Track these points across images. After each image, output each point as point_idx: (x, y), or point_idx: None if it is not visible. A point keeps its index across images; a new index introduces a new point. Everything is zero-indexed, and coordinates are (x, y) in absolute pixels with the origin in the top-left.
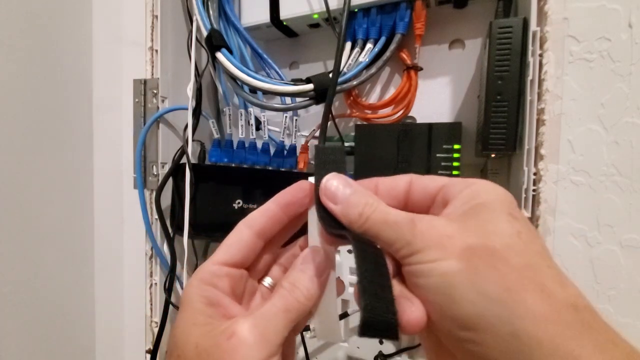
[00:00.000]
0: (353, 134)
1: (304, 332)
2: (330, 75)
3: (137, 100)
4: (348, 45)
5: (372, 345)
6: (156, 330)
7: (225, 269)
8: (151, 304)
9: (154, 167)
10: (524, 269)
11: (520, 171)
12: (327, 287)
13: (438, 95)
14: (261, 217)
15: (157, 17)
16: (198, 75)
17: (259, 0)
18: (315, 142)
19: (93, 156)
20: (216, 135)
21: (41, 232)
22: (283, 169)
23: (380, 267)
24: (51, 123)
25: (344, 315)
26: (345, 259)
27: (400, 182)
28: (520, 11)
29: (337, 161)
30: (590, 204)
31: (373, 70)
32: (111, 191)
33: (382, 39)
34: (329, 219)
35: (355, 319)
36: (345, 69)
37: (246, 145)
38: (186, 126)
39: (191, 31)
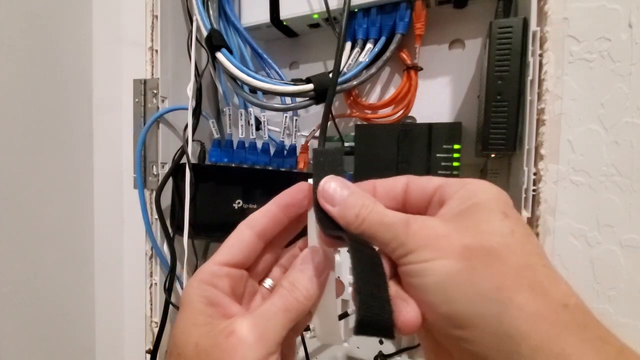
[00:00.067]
0: (353, 134)
1: (303, 332)
2: (330, 75)
3: (137, 100)
4: (348, 45)
5: (372, 345)
6: (156, 330)
7: (225, 269)
8: (151, 304)
9: (154, 167)
10: (520, 268)
11: (520, 171)
12: (326, 288)
13: (438, 95)
14: (262, 218)
15: (157, 17)
16: (198, 75)
17: (259, 0)
18: (315, 142)
19: (93, 156)
20: (216, 135)
21: (41, 232)
22: (283, 169)
23: (376, 267)
24: (51, 123)
25: (343, 316)
26: (345, 259)
27: (397, 184)
28: (520, 11)
29: (334, 163)
30: (590, 204)
31: (373, 70)
32: (111, 191)
33: (382, 39)
34: (326, 221)
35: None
36: (345, 69)
37: (246, 145)
38: (186, 126)
39: (191, 31)
